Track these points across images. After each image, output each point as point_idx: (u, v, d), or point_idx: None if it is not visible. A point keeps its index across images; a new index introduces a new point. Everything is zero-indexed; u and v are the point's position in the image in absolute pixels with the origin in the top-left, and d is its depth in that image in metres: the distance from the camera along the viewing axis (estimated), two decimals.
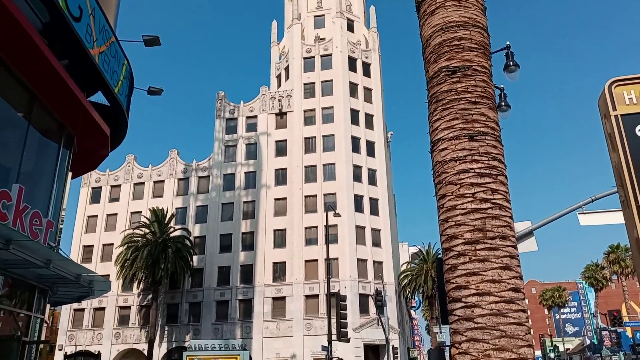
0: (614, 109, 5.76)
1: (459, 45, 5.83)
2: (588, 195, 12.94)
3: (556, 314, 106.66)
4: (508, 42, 11.08)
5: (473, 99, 5.61)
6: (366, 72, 55.52)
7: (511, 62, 10.94)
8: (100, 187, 55.15)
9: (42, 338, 14.36)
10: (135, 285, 48.58)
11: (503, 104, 11.17)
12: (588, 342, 75.47)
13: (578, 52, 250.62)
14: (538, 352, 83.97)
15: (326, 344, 27.92)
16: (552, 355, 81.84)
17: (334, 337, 27.25)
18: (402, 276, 53.51)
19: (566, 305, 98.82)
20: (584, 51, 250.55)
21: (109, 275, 46.63)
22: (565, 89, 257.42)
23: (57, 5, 10.87)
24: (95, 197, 54.89)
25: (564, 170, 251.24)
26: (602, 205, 12.71)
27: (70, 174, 15.35)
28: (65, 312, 50.12)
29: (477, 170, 5.34)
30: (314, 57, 54.82)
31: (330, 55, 54.45)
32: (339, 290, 32.84)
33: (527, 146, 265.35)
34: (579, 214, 12.60)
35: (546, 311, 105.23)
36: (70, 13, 11.34)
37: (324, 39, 55.67)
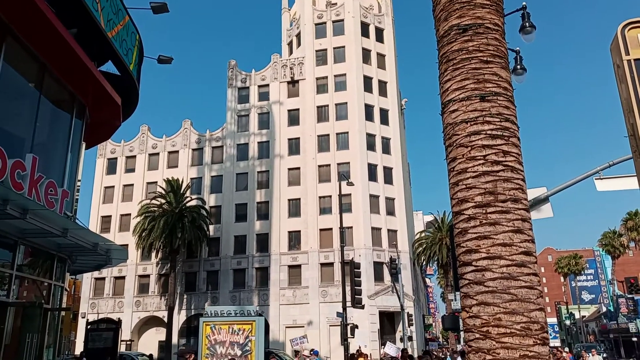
0: (627, 52, 5.45)
1: (470, 2, 5.60)
2: (606, 162, 12.65)
3: (572, 282, 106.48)
4: (524, 2, 10.70)
5: (485, 58, 5.42)
6: (379, 37, 54.44)
7: (527, 24, 10.57)
8: (116, 158, 55.70)
9: (64, 305, 14.74)
10: (153, 254, 49.48)
11: (519, 67, 10.86)
12: (604, 309, 75.56)
13: (602, 16, 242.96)
14: (554, 319, 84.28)
15: (341, 311, 28.32)
16: (567, 322, 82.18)
17: (348, 304, 27.60)
18: (416, 244, 53.64)
19: (582, 272, 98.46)
20: (609, 14, 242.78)
21: (127, 245, 47.54)
22: (586, 54, 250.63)
23: None
24: (111, 168, 55.52)
25: (583, 139, 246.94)
26: (620, 171, 12.44)
27: (84, 144, 15.47)
28: (87, 281, 51.41)
29: (489, 132, 5.20)
30: (325, 22, 53.82)
31: (342, 20, 53.41)
32: (353, 258, 33.09)
33: (545, 114, 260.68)
34: (595, 179, 12.38)
35: (562, 279, 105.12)
36: None
37: (336, 3, 54.47)
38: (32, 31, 11.16)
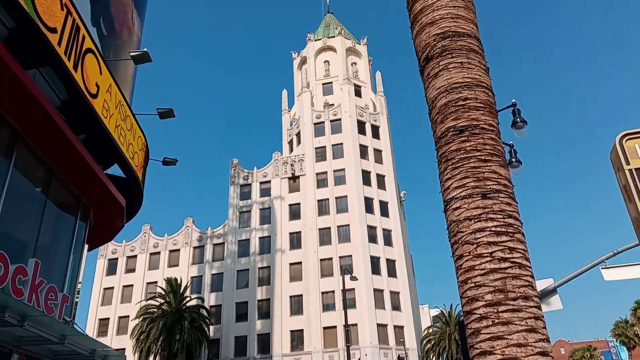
0: (627, 163, 5.73)
1: (465, 105, 5.90)
2: (609, 249, 12.58)
3: None
4: (514, 100, 11.23)
5: (483, 157, 5.60)
6: (375, 134, 56.47)
7: (518, 119, 11.01)
8: (117, 259, 55.22)
9: None
10: (151, 358, 47.39)
11: (514, 160, 11.15)
12: None
13: (587, 101, 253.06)
14: None
15: None
16: None
17: None
18: (424, 341, 51.67)
19: None
20: (593, 99, 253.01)
21: (124, 348, 45.73)
22: (577, 140, 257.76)
23: (75, 84, 11.34)
24: (112, 268, 54.88)
25: (580, 224, 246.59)
26: (625, 259, 12.35)
27: (86, 246, 15.43)
28: None
29: (493, 229, 5.24)
30: (323, 122, 56.14)
31: (340, 119, 55.74)
32: (359, 359, 31.70)
33: (540, 200, 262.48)
34: (602, 269, 12.24)
35: None
36: (87, 90, 11.80)
37: (333, 104, 57.18)
38: (42, 138, 11.58)
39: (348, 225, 50.10)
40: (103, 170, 14.41)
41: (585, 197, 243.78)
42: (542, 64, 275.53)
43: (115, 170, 15.32)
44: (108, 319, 52.21)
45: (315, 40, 64.15)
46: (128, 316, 50.53)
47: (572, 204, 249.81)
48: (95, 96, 12.21)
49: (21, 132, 11.22)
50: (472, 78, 6.10)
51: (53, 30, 10.36)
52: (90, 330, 49.62)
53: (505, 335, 4.78)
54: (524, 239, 5.36)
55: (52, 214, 13.32)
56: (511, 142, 11.56)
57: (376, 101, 60.12)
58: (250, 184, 55.64)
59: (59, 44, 10.58)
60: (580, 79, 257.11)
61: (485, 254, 5.14)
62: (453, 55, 6.26)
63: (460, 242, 5.40)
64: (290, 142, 59.61)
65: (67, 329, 11.70)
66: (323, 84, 60.53)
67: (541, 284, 10.99)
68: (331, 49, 62.61)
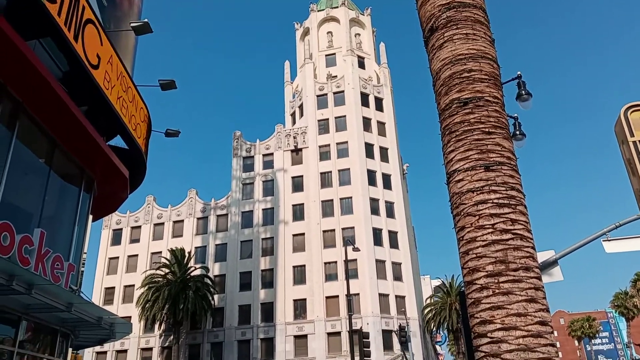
0: (632, 134, 5.69)
1: (469, 77, 5.84)
2: (612, 222, 12.61)
3: (587, 345, 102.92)
4: (519, 72, 11.09)
5: (487, 130, 5.58)
6: (379, 106, 56.02)
7: (523, 92, 10.90)
8: (121, 229, 55.70)
9: None
10: (156, 326, 48.33)
11: (518, 132, 11.08)
12: None
13: (594, 74, 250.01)
14: None
15: None
16: None
17: None
18: (425, 310, 52.40)
19: (597, 335, 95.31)
20: (599, 71, 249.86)
21: (130, 317, 46.54)
22: (582, 114, 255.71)
23: (76, 55, 11.24)
24: (116, 238, 55.41)
25: (584, 198, 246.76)
26: (626, 232, 12.37)
27: (90, 217, 15.56)
28: (88, 355, 49.85)
29: (496, 201, 5.25)
30: (326, 94, 55.66)
31: (343, 91, 55.24)
32: (361, 327, 32.26)
33: (544, 174, 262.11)
34: (603, 241, 12.29)
35: (576, 342, 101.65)
36: (88, 61, 11.70)
37: (336, 76, 56.58)
38: (45, 110, 11.56)
39: (351, 197, 50.25)
40: (106, 141, 14.41)
41: (589, 170, 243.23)
42: (549, 36, 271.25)
43: (118, 141, 15.33)
44: (113, 288, 53.01)
45: (318, 11, 63.09)
46: (133, 285, 51.28)
47: (575, 176, 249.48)
48: (96, 67, 12.12)
49: (23, 103, 11.20)
50: (477, 50, 6.03)
51: (52, 1, 10.22)
52: (97, 299, 50.44)
53: (505, 305, 4.86)
54: (526, 211, 5.38)
55: (56, 185, 13.40)
56: (516, 114, 11.49)
57: (380, 73, 59.46)
58: (253, 157, 55.62)
59: (59, 14, 10.45)
60: (587, 51, 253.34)
61: (487, 226, 5.17)
62: (458, 26, 6.17)
63: (462, 214, 5.43)
64: (293, 115, 59.27)
65: (74, 297, 11.93)
66: (326, 55, 59.79)
67: (542, 256, 11.05)
68: (334, 19, 61.64)
